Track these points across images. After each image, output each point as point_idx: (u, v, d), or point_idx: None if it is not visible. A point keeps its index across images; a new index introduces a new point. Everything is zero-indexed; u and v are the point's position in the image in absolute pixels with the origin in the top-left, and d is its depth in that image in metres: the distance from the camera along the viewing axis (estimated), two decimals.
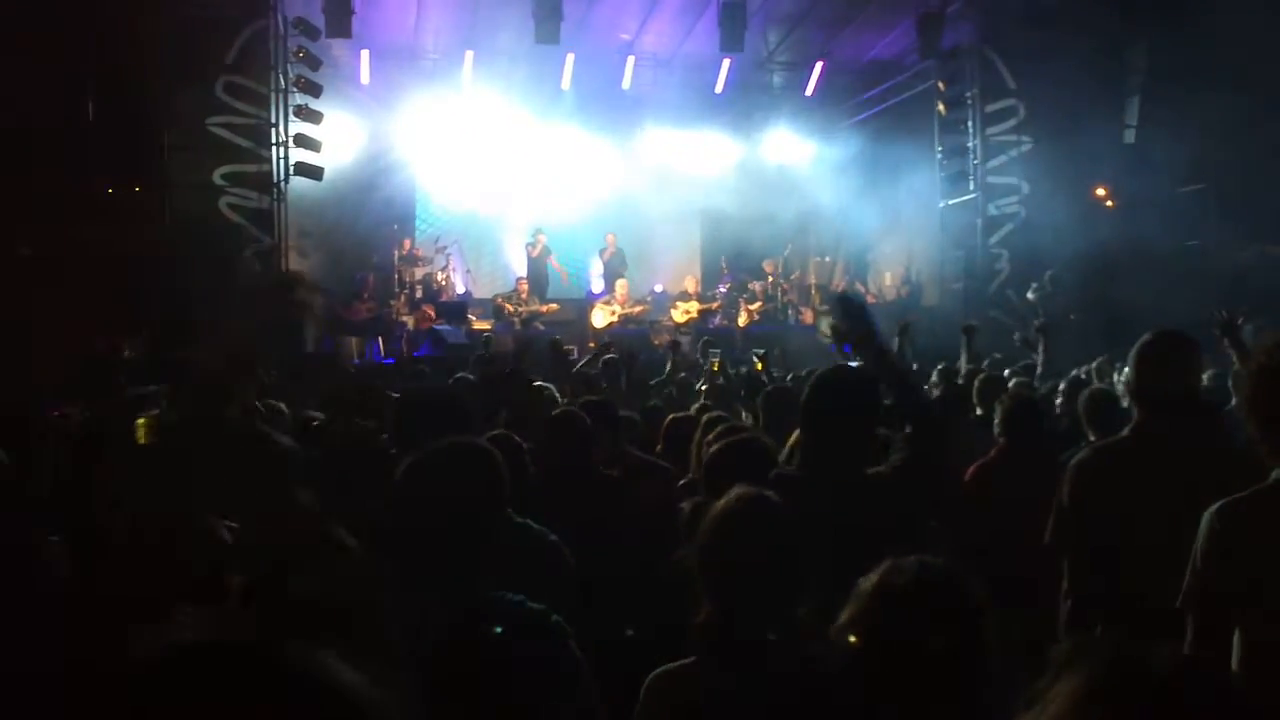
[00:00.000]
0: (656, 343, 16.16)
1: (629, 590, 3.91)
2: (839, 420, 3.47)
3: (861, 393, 3.51)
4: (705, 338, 12.73)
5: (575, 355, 12.94)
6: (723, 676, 2.51)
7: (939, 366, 8.65)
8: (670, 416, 5.89)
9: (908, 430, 3.55)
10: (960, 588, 2.13)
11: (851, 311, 3.66)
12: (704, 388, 8.44)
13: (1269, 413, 2.65)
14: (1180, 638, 2.74)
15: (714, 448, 4.04)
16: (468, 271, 18.63)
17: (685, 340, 15.11)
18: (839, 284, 19.93)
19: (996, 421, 5.38)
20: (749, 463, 3.65)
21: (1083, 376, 7.28)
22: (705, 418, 5.16)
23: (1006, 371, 8.43)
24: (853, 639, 2.12)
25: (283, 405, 6.27)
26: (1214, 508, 2.72)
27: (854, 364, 3.75)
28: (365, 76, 17.00)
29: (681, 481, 4.82)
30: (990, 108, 16.59)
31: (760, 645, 2.50)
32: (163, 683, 0.98)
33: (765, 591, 2.53)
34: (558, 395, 7.08)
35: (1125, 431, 3.70)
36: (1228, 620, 2.69)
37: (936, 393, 7.26)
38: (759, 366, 8.24)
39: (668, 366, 10.09)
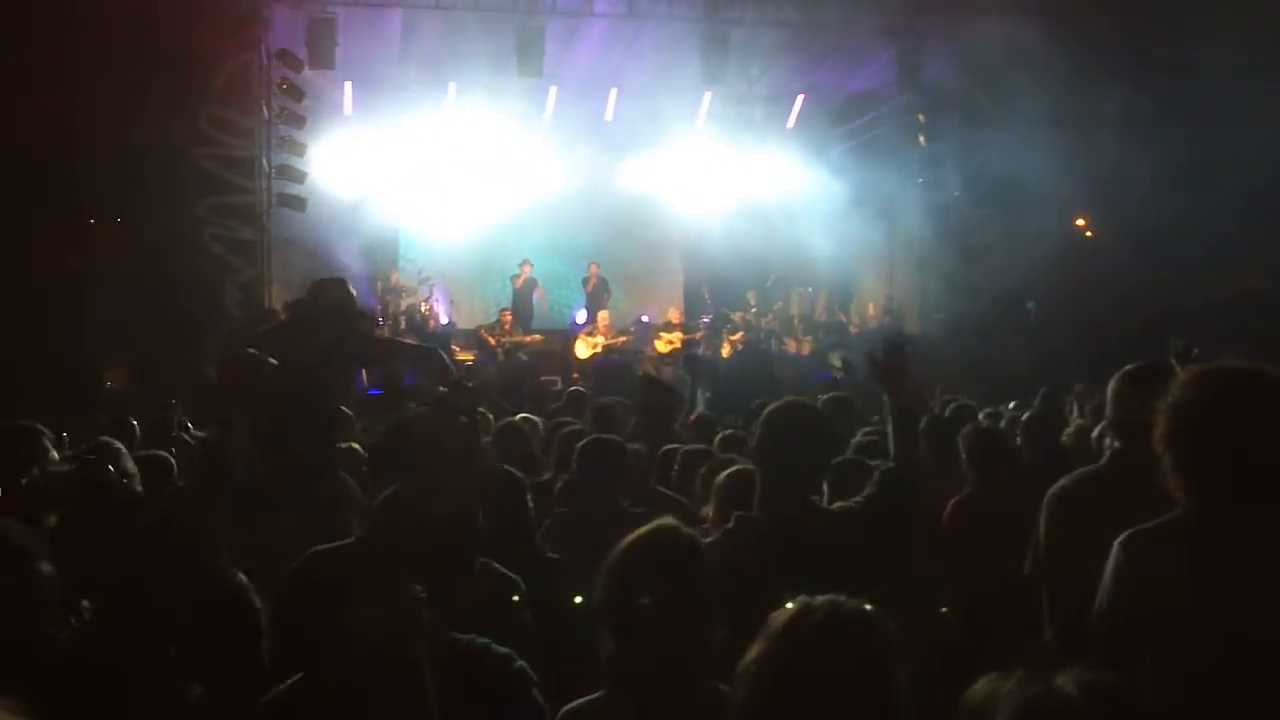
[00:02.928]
0: (640, 374, 16.19)
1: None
2: (793, 456, 3.48)
3: (815, 427, 3.54)
4: (688, 353, 12.62)
5: (559, 386, 12.96)
6: (627, 710, 2.50)
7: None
8: (682, 450, 5.86)
9: (885, 467, 3.59)
10: (872, 629, 2.06)
11: (895, 353, 3.72)
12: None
13: (1183, 448, 2.65)
14: None
15: (722, 476, 4.06)
16: (450, 302, 18.63)
17: (668, 370, 15.13)
18: (822, 314, 19.99)
19: (964, 458, 5.44)
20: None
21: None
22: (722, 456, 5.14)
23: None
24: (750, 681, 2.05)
25: None
26: (1122, 537, 2.73)
27: (833, 395, 3.78)
28: (349, 108, 17.04)
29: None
30: (970, 139, 16.73)
31: (665, 679, 2.48)
32: None
33: (668, 625, 2.50)
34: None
35: (1104, 460, 3.74)
36: (1132, 651, 2.68)
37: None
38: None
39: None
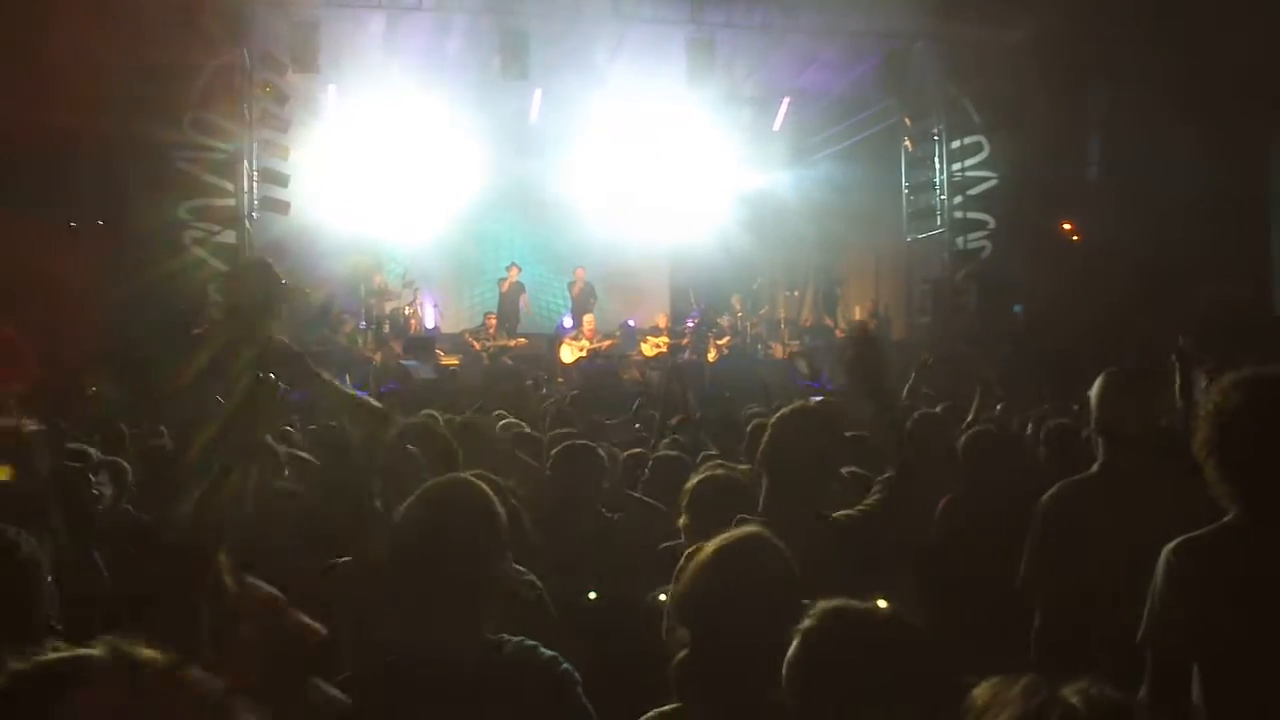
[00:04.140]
0: (625, 377, 16.13)
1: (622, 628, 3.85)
2: (800, 462, 3.42)
3: (823, 433, 3.49)
4: (674, 364, 12.60)
5: (544, 391, 12.90)
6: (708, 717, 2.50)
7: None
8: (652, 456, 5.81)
9: (889, 476, 3.54)
10: (900, 629, 2.13)
11: (867, 352, 3.65)
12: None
13: (1228, 456, 2.63)
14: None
15: (694, 482, 4.00)
16: (435, 306, 18.58)
17: (654, 375, 15.10)
18: (808, 318, 19.99)
19: (961, 459, 5.39)
20: (729, 498, 3.63)
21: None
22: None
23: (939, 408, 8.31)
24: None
25: None
26: (1172, 545, 2.71)
27: (817, 399, 3.74)
28: (333, 111, 16.97)
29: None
30: (956, 143, 16.71)
31: (744, 685, 2.46)
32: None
33: (753, 631, 2.48)
34: None
35: (1093, 468, 3.70)
36: (1185, 658, 2.68)
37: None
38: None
39: (635, 405, 9.83)
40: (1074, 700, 1.45)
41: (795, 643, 2.15)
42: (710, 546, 2.66)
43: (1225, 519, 2.68)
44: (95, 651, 1.26)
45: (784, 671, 2.15)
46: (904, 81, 16.33)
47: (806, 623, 2.16)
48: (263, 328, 5.52)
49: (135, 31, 13.28)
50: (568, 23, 15.32)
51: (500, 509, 2.69)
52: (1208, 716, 2.61)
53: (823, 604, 2.18)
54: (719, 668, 2.50)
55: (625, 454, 5.93)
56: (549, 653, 2.59)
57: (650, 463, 5.62)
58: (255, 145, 15.01)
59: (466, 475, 3.04)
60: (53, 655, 1.26)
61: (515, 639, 2.58)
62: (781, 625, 2.46)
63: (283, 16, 14.75)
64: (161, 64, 13.88)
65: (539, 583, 3.65)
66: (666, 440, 6.79)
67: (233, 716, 1.30)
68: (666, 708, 2.57)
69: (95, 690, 1.23)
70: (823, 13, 15.41)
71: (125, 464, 5.77)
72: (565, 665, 2.58)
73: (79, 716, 1.21)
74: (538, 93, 17.04)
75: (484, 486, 2.77)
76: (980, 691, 1.57)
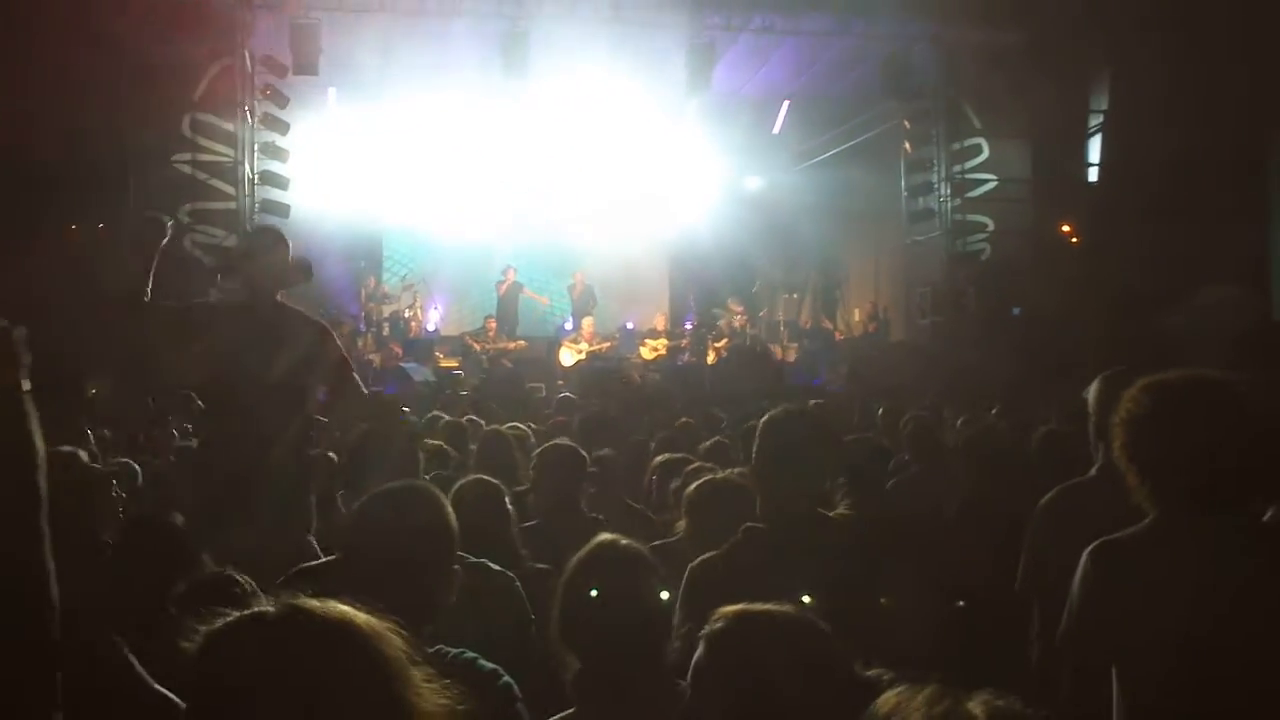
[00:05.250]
0: (623, 381, 16.11)
1: None
2: (794, 465, 3.41)
3: (815, 435, 3.48)
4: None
5: (544, 394, 12.92)
6: None
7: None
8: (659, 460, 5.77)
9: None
10: (807, 633, 2.12)
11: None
12: None
13: (1143, 458, 2.69)
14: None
15: (693, 486, 4.00)
16: (435, 309, 18.58)
17: (653, 377, 15.11)
18: (807, 320, 20.00)
19: (964, 460, 5.39)
20: (728, 500, 3.63)
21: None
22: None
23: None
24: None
25: None
26: (1091, 546, 2.74)
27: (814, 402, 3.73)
28: (333, 113, 16.97)
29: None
30: (956, 146, 16.72)
31: (623, 690, 2.50)
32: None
33: (626, 639, 2.53)
34: None
35: (1092, 472, 3.71)
36: (1103, 659, 2.70)
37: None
38: None
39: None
40: (977, 711, 1.45)
41: (701, 648, 2.14)
42: (571, 563, 2.68)
43: (1144, 521, 2.71)
44: (271, 608, 1.43)
45: (690, 676, 2.15)
46: (904, 84, 16.32)
47: (711, 627, 2.14)
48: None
49: (135, 34, 13.27)
50: (568, 26, 15.32)
51: (450, 520, 2.66)
52: (1125, 718, 2.64)
53: (727, 608, 2.16)
54: (601, 680, 2.53)
55: (657, 460, 5.81)
56: (489, 665, 2.59)
57: (656, 467, 5.58)
58: (255, 148, 15.02)
59: (417, 482, 3.03)
60: (236, 615, 1.42)
61: (455, 650, 2.56)
62: (656, 634, 2.54)
63: (283, 19, 14.76)
64: (162, 66, 13.87)
65: (518, 582, 3.63)
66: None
67: (401, 663, 1.43)
68: (558, 716, 2.58)
69: (278, 644, 1.38)
70: (823, 15, 15.41)
71: (135, 466, 5.78)
72: (505, 679, 2.58)
73: (266, 669, 1.36)
74: (538, 94, 17.03)
75: (437, 495, 2.75)
76: (883, 701, 1.57)
